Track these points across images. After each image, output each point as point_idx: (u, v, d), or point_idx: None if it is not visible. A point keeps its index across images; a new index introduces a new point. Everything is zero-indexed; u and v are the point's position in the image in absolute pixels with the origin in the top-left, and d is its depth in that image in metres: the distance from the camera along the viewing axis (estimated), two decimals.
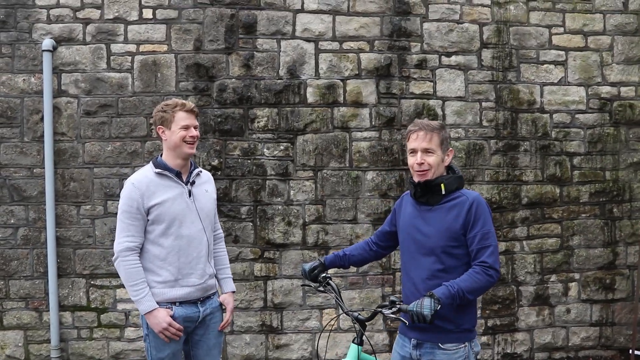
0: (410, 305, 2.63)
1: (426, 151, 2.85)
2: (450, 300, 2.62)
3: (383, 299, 5.46)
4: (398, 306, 2.73)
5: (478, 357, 3.99)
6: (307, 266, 3.27)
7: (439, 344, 2.81)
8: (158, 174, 3.21)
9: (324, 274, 3.23)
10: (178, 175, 3.25)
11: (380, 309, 2.84)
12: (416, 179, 2.91)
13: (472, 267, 2.74)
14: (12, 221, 5.35)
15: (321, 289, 3.22)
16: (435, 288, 2.68)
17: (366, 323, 3.04)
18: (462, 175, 2.98)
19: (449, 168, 2.97)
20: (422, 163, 2.85)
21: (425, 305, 2.56)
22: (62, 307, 5.37)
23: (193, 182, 3.30)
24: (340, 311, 3.12)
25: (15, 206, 5.35)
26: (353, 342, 3.01)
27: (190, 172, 3.32)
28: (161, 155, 3.30)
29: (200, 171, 3.41)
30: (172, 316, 3.13)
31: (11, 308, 5.36)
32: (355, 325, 3.00)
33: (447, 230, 2.81)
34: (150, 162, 3.31)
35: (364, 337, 3.00)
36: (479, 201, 2.82)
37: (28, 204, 5.36)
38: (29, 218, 5.36)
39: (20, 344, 5.37)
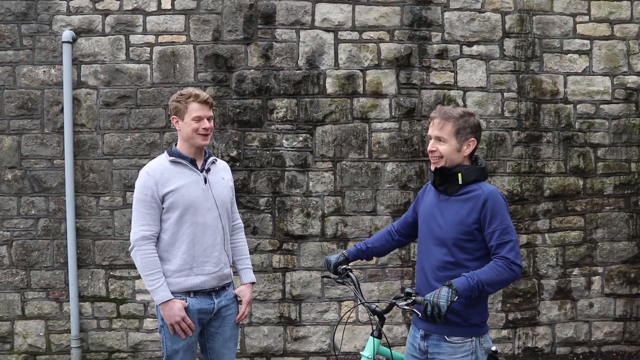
0: (427, 295, 2.58)
1: (437, 139, 2.83)
2: (469, 292, 2.56)
3: (402, 291, 5.41)
4: (413, 298, 2.68)
5: (496, 351, 3.94)
6: (333, 260, 3.25)
7: (445, 337, 2.77)
8: (172, 161, 3.19)
9: (344, 266, 3.22)
10: (193, 162, 3.22)
11: (395, 301, 2.81)
12: (431, 165, 2.91)
13: (492, 260, 2.67)
14: (32, 212, 5.39)
15: (340, 280, 3.22)
16: (444, 279, 2.65)
17: (384, 315, 3.01)
18: (484, 168, 2.89)
19: (474, 159, 2.90)
20: (434, 150, 2.85)
21: (443, 295, 2.51)
22: (81, 298, 5.41)
23: (208, 170, 3.27)
24: (358, 303, 3.10)
25: (36, 197, 5.39)
26: (371, 335, 2.99)
27: (205, 160, 3.29)
28: (176, 145, 3.28)
29: (215, 159, 3.38)
30: (186, 308, 3.10)
31: (32, 298, 5.41)
32: (372, 317, 2.97)
33: (460, 223, 2.76)
34: (165, 151, 3.29)
35: (381, 330, 2.97)
36: (495, 196, 2.74)
37: (48, 195, 5.39)
38: (49, 209, 5.40)
39: (41, 334, 5.42)
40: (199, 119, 3.17)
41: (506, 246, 2.66)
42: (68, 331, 5.40)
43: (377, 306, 3.01)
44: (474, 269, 2.68)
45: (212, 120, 3.27)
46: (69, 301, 5.37)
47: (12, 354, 5.41)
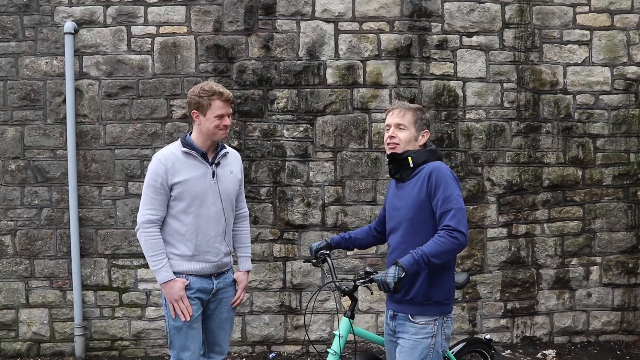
0: (377, 274, 2.71)
1: (398, 126, 3.00)
2: (415, 266, 2.65)
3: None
4: (371, 277, 2.90)
5: (491, 340, 4.00)
6: (314, 246, 3.48)
7: (410, 317, 2.90)
8: (184, 152, 3.28)
9: (323, 251, 3.42)
10: (204, 155, 3.30)
11: (356, 280, 3.01)
12: (387, 151, 3.05)
13: (437, 232, 2.76)
14: (36, 202, 5.45)
15: (317, 264, 3.44)
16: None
17: (355, 296, 3.16)
18: (435, 150, 3.03)
19: (425, 147, 3.07)
20: (394, 137, 3.00)
21: (390, 274, 2.62)
22: (84, 287, 5.47)
23: (218, 163, 3.35)
24: (328, 282, 3.27)
25: (39, 187, 5.44)
26: (344, 315, 3.14)
27: (217, 153, 3.37)
28: (190, 134, 3.35)
29: (227, 152, 3.45)
30: (187, 285, 3.23)
31: (36, 287, 5.48)
32: (341, 297, 3.13)
33: (414, 202, 2.88)
34: (179, 139, 3.36)
35: (338, 301, 3.11)
36: (438, 168, 2.86)
37: (51, 184, 5.44)
38: (53, 199, 5.45)
39: (45, 322, 5.49)
40: (221, 117, 3.25)
41: (448, 214, 2.74)
42: (71, 319, 5.47)
43: (346, 287, 3.15)
44: None
45: (231, 117, 3.36)
46: (72, 290, 5.43)
47: (17, 341, 5.49)
